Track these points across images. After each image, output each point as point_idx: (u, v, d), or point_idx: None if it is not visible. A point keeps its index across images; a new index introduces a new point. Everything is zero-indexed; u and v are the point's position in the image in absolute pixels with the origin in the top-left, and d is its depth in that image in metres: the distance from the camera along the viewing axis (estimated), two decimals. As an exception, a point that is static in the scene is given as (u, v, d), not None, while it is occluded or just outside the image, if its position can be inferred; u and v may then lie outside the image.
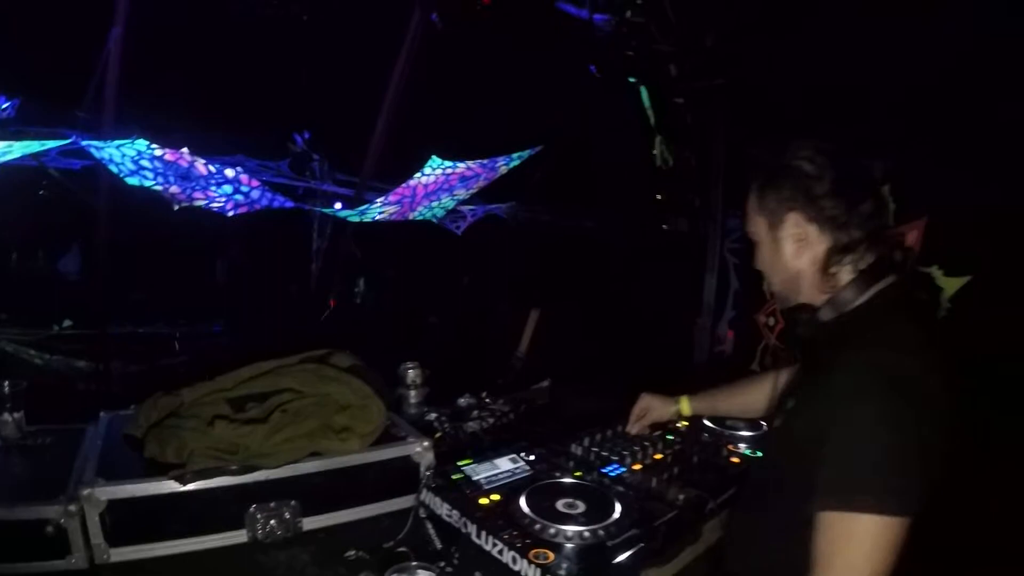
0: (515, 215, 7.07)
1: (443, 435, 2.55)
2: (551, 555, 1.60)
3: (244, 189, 5.01)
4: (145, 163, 4.42)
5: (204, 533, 1.78)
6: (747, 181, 1.72)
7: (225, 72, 6.05)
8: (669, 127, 5.61)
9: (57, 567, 1.64)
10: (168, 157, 4.40)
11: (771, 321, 5.03)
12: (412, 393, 2.83)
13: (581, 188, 6.81)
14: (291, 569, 1.74)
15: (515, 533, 1.69)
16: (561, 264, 6.48)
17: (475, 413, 2.80)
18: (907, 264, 1.63)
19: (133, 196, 4.77)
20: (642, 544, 1.70)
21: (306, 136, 6.69)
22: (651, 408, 2.47)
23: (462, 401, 2.95)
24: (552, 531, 1.68)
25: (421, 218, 6.06)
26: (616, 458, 2.22)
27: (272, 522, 1.82)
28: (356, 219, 5.97)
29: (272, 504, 1.83)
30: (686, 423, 2.55)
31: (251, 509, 1.81)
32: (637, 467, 2.18)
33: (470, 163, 5.10)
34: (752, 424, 2.51)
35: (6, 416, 2.05)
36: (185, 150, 4.37)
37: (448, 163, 4.92)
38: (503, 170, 5.54)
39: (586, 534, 1.67)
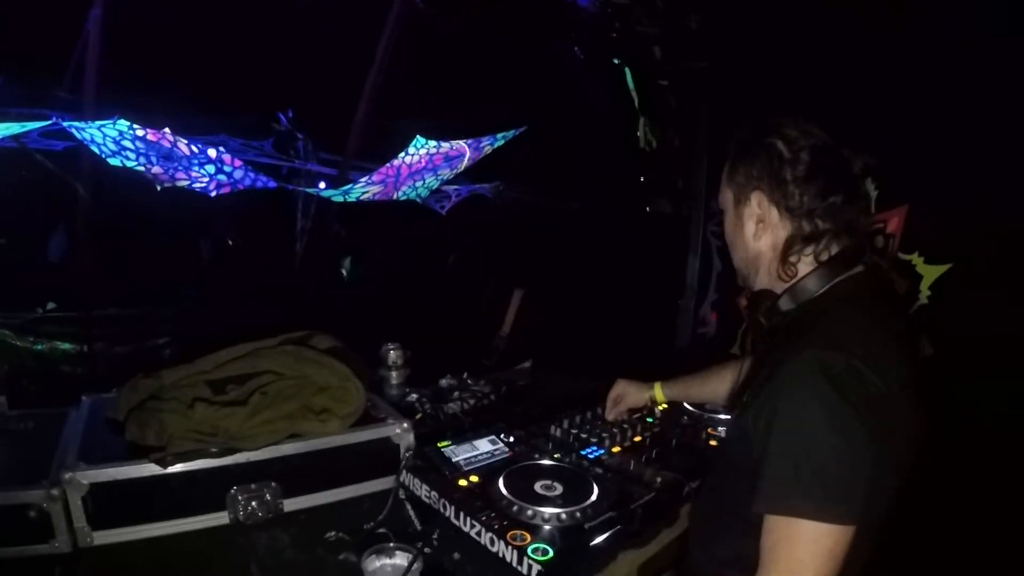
0: (500, 195, 7.06)
1: (424, 416, 2.56)
2: (528, 536, 1.63)
3: (227, 169, 4.97)
4: (127, 143, 4.37)
5: (186, 515, 1.79)
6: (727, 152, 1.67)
7: (208, 52, 6.01)
8: (653, 109, 5.61)
9: (40, 551, 1.65)
10: (150, 137, 4.35)
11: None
12: (394, 374, 2.84)
13: (565, 169, 6.81)
14: (272, 550, 1.75)
15: (493, 515, 1.72)
16: (545, 245, 6.49)
17: (456, 394, 2.81)
18: (877, 254, 1.59)
19: (115, 177, 4.72)
20: (619, 526, 1.73)
21: (290, 115, 6.65)
22: (626, 394, 2.48)
23: (444, 382, 2.96)
24: (530, 512, 1.71)
25: (405, 198, 6.03)
26: (595, 440, 2.25)
27: (253, 504, 1.84)
28: (340, 199, 5.94)
29: (253, 486, 1.85)
30: (664, 406, 2.57)
31: (232, 491, 1.82)
32: (616, 449, 2.22)
33: (455, 143, 5.08)
34: (731, 408, 2.53)
35: (-13, 400, 2.05)
36: (167, 130, 4.33)
37: (433, 143, 4.90)
38: (488, 150, 5.52)
39: (563, 516, 1.70)
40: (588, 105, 6.05)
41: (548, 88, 6.01)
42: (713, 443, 2.37)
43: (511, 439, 2.20)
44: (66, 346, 6.24)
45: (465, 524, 1.73)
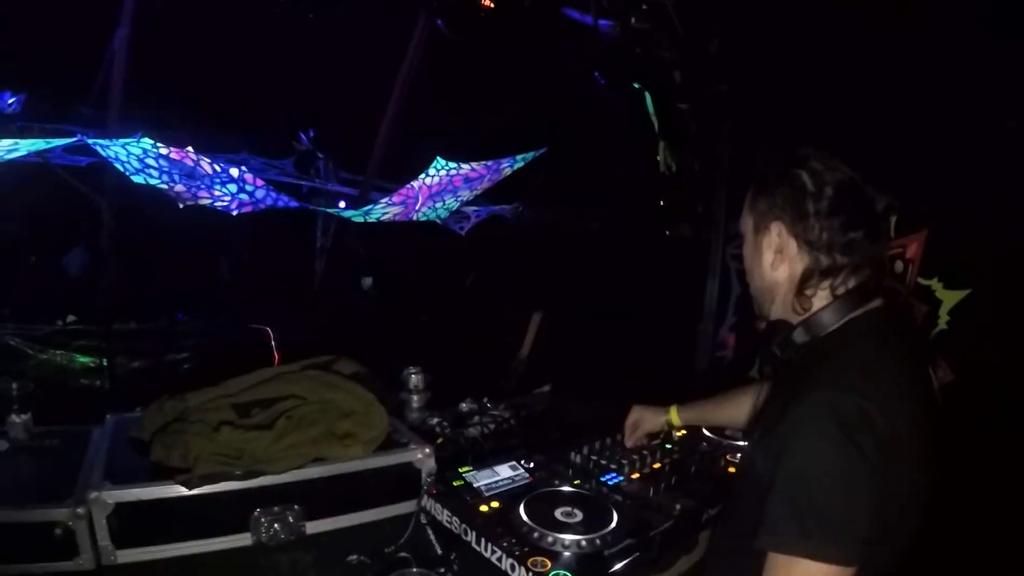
0: (519, 216, 7.09)
1: (445, 440, 2.57)
2: (548, 563, 1.63)
3: (249, 188, 5.02)
4: (150, 161, 4.43)
5: (209, 536, 1.81)
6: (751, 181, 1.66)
7: (231, 71, 6.08)
8: (673, 133, 5.62)
9: (65, 568, 1.67)
10: (173, 156, 4.41)
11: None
12: (414, 398, 2.85)
13: (585, 192, 6.82)
14: (294, 572, 1.77)
15: (514, 541, 1.72)
16: (564, 268, 6.50)
17: (476, 419, 2.82)
18: (896, 280, 1.58)
19: (139, 193, 4.78)
20: (638, 553, 1.73)
21: (311, 135, 6.71)
22: (642, 419, 2.48)
23: (464, 406, 2.97)
24: (550, 539, 1.71)
25: (425, 219, 6.07)
26: (615, 467, 2.25)
27: (276, 526, 1.85)
28: (360, 219, 5.98)
29: (276, 508, 1.86)
30: (683, 431, 2.57)
31: (255, 513, 1.84)
32: (635, 476, 2.21)
33: (474, 165, 5.11)
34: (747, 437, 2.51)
35: (14, 418, 2.08)
36: (190, 149, 4.38)
37: (452, 164, 4.93)
38: (507, 172, 5.55)
39: (583, 543, 1.71)
40: (608, 128, 6.08)
41: (569, 111, 6.04)
42: (731, 470, 2.35)
43: (531, 465, 2.20)
44: (86, 359, 6.29)
45: (486, 550, 1.73)
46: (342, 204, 6.70)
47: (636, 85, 5.51)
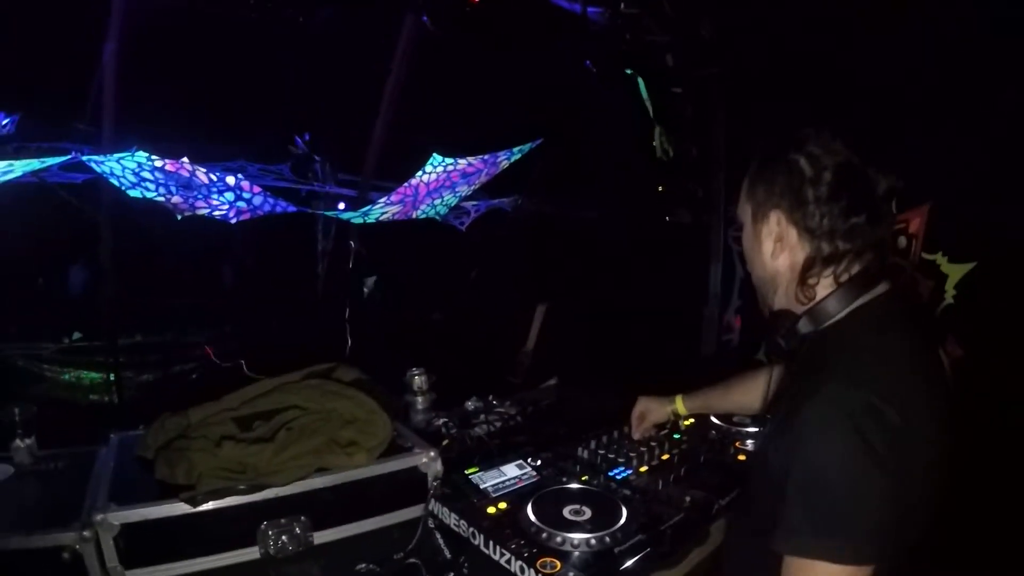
0: (519, 208, 7.06)
1: (451, 441, 2.56)
2: (559, 564, 1.62)
3: (246, 196, 5.01)
4: (146, 175, 4.42)
5: (217, 551, 1.81)
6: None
7: (222, 78, 6.05)
8: (668, 118, 5.58)
9: (74, 591, 1.67)
10: (169, 167, 4.39)
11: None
12: (419, 400, 2.82)
13: (583, 180, 6.79)
14: (303, 583, 1.77)
15: (522, 542, 1.71)
16: (566, 258, 6.48)
17: (482, 417, 2.81)
18: (900, 256, 1.54)
19: (136, 207, 4.77)
20: (649, 549, 1.71)
21: (307, 138, 6.69)
22: (648, 410, 2.47)
23: (469, 405, 2.96)
24: (559, 539, 1.70)
25: (424, 216, 6.05)
26: (622, 460, 2.24)
27: (283, 538, 1.85)
28: (359, 220, 5.97)
29: (283, 520, 1.86)
30: (691, 420, 2.56)
31: (262, 526, 1.83)
32: (643, 469, 2.20)
33: (471, 159, 5.09)
34: (759, 420, 2.45)
35: (18, 442, 2.08)
36: (185, 159, 4.37)
37: (449, 160, 4.91)
38: (504, 165, 5.53)
39: (593, 541, 1.69)
40: (603, 116, 6.04)
41: (563, 101, 6.01)
42: (742, 457, 2.34)
43: (538, 462, 2.18)
44: (94, 375, 6.30)
45: (495, 553, 1.72)
46: (341, 205, 6.67)
47: (628, 71, 5.48)
